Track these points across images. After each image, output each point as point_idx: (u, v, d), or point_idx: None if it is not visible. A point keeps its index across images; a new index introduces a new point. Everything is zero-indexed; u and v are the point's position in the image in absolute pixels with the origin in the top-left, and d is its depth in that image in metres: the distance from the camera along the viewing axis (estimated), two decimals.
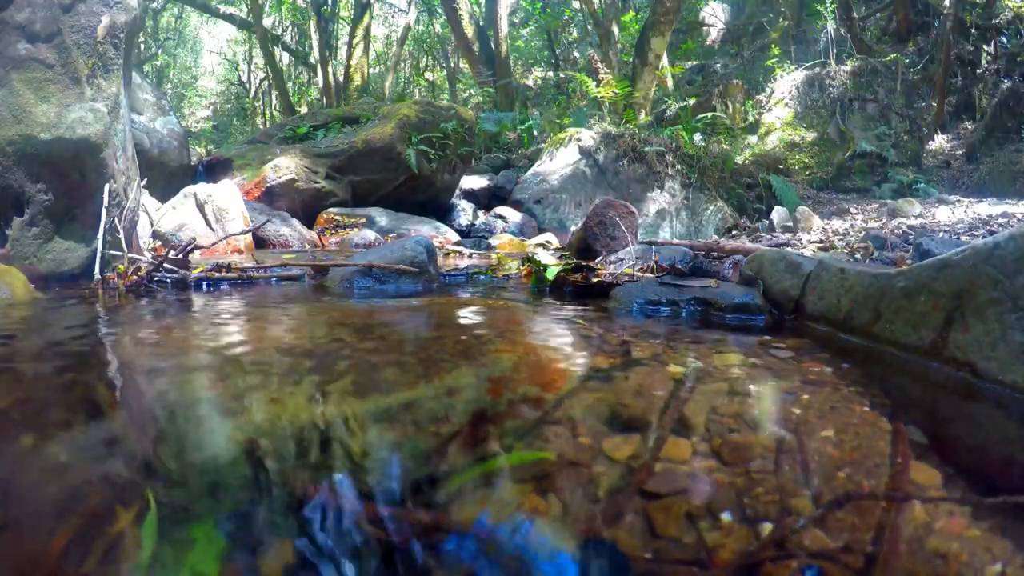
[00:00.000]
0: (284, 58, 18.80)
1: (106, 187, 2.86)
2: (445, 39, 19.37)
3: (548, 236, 6.28)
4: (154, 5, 18.52)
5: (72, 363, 1.50)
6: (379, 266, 2.71)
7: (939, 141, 10.80)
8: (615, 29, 12.16)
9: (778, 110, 11.12)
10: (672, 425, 1.02)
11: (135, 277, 2.70)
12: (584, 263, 2.91)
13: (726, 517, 0.76)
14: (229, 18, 17.24)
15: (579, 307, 2.18)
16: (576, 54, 16.19)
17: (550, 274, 2.57)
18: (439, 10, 17.40)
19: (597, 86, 10.12)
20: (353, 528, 0.76)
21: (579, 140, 8.31)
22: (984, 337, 1.20)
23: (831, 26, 11.28)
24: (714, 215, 8.13)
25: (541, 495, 0.81)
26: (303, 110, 16.94)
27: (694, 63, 13.25)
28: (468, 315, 2.15)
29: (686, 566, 0.68)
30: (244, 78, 21.88)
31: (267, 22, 17.50)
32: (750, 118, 11.17)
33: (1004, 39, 10.87)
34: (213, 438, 1.04)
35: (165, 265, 2.76)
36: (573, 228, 6.19)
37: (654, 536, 0.73)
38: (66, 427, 1.07)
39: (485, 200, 8.65)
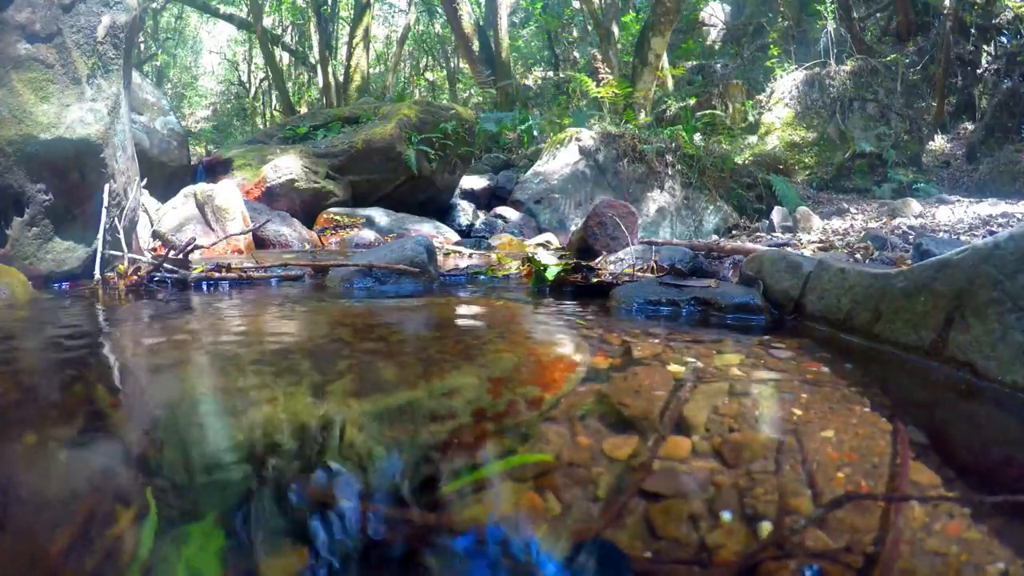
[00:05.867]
0: (284, 58, 18.79)
1: (106, 187, 2.86)
2: (445, 39, 19.37)
3: (548, 236, 6.28)
4: (154, 5, 18.52)
5: (72, 363, 1.50)
6: (379, 266, 2.70)
7: (939, 141, 10.80)
8: (615, 29, 12.16)
9: (778, 110, 11.12)
10: (672, 425, 1.02)
11: (135, 277, 2.70)
12: (584, 263, 2.91)
13: (726, 517, 0.76)
14: (229, 18, 17.24)
15: (579, 307, 2.18)
16: (576, 54, 16.18)
17: (550, 274, 2.57)
18: (439, 10, 17.39)
19: (597, 86, 10.12)
20: (353, 528, 0.76)
21: (579, 140, 8.31)
22: (984, 337, 1.20)
23: (831, 26, 11.28)
24: (714, 215, 8.13)
25: (541, 495, 0.81)
26: (303, 110, 16.94)
27: (694, 63, 13.25)
28: (468, 315, 2.15)
29: (686, 566, 0.68)
30: (244, 78, 21.88)
31: (267, 22, 17.49)
32: (750, 118, 11.17)
33: (1004, 39, 10.87)
34: (213, 438, 1.04)
35: (165, 265, 2.76)
36: (573, 228, 6.20)
37: (654, 536, 0.73)
38: (66, 427, 1.07)
39: (485, 200, 8.65)
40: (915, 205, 7.34)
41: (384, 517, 0.78)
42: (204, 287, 2.73)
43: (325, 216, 6.23)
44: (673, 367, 1.35)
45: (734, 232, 7.32)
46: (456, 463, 0.93)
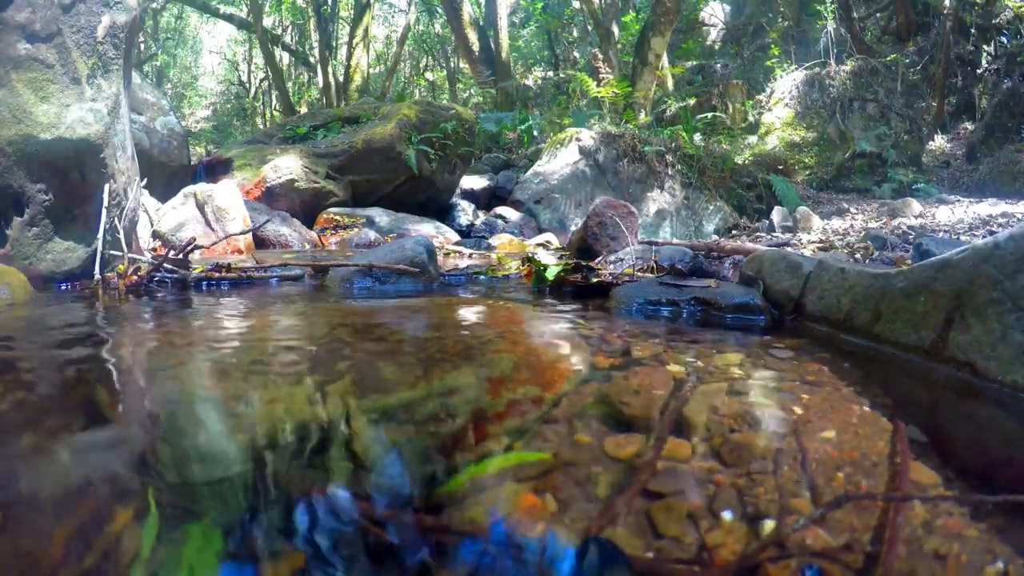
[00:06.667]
0: (284, 58, 18.79)
1: (106, 187, 2.86)
2: (445, 39, 19.37)
3: (548, 236, 6.28)
4: (154, 5, 18.52)
5: (72, 363, 1.50)
6: (379, 266, 2.70)
7: (939, 141, 10.80)
8: (615, 29, 12.16)
9: (778, 110, 11.12)
10: (672, 425, 1.02)
11: (135, 277, 2.70)
12: (584, 263, 2.91)
13: (727, 517, 0.76)
14: (229, 18, 17.24)
15: (579, 307, 2.18)
16: (576, 54, 16.17)
17: (550, 274, 2.57)
18: (439, 10, 17.39)
19: (597, 86, 10.12)
20: (353, 528, 0.76)
21: (579, 140, 8.31)
22: (984, 337, 1.20)
23: (831, 26, 11.28)
24: (714, 215, 8.13)
25: (541, 495, 0.81)
26: (303, 110, 16.94)
27: (694, 63, 13.25)
28: (468, 315, 2.15)
29: (687, 566, 0.68)
30: (244, 78, 21.88)
31: (267, 22, 17.49)
32: (750, 118, 11.17)
33: (1004, 39, 10.87)
34: (213, 438, 1.04)
35: (165, 265, 2.76)
36: (573, 228, 6.19)
37: (655, 536, 0.73)
38: (66, 427, 1.07)
39: (485, 200, 8.65)
40: (915, 205, 7.34)
41: (384, 517, 0.78)
42: (204, 287, 2.73)
43: (325, 216, 6.23)
44: (673, 367, 1.35)
45: (734, 232, 7.32)
46: (456, 463, 0.93)
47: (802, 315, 1.86)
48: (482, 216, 7.89)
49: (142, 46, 18.03)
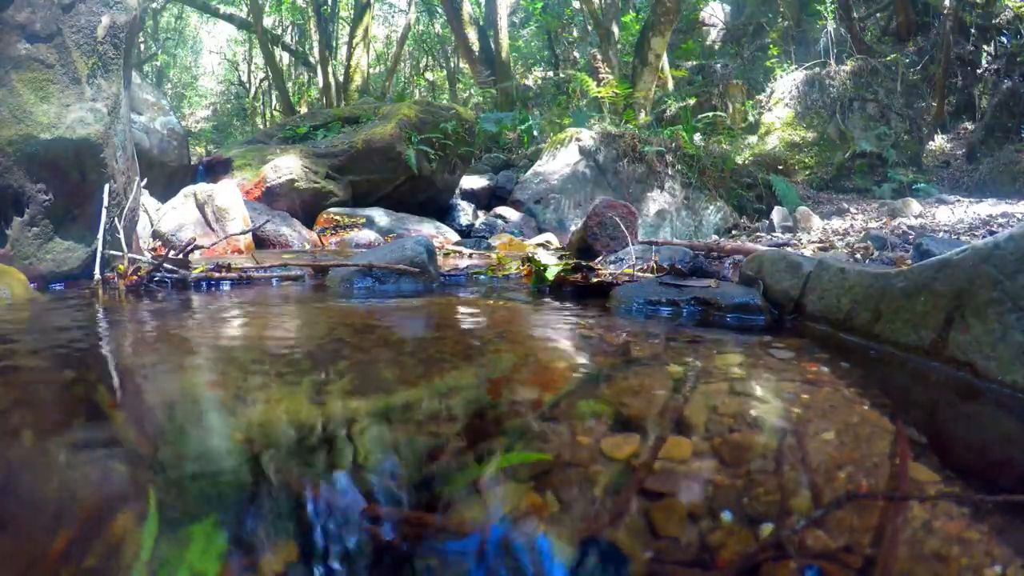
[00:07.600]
0: (284, 58, 18.79)
1: (106, 187, 2.86)
2: (445, 39, 19.37)
3: (548, 236, 6.28)
4: (154, 5, 18.52)
5: (72, 363, 1.50)
6: (379, 266, 2.70)
7: (939, 141, 10.80)
8: (615, 29, 12.15)
9: (778, 110, 11.12)
10: (672, 425, 1.02)
11: (135, 277, 2.70)
12: (584, 263, 2.91)
13: (726, 517, 0.76)
14: (229, 18, 17.24)
15: (579, 307, 2.18)
16: (576, 54, 16.16)
17: (550, 274, 2.57)
18: (439, 10, 17.39)
19: (597, 86, 10.11)
20: (353, 528, 0.76)
21: (579, 140, 8.31)
22: (984, 337, 1.20)
23: (831, 26, 11.28)
24: (714, 215, 8.13)
25: (541, 495, 0.81)
26: (303, 110, 16.93)
27: (694, 63, 13.24)
28: (468, 315, 2.15)
29: (686, 567, 0.68)
30: (244, 78, 21.88)
31: (267, 22, 17.49)
32: (750, 118, 11.17)
33: (1004, 39, 10.87)
34: (213, 438, 1.04)
35: (165, 265, 2.76)
36: (573, 228, 6.20)
37: (654, 536, 0.73)
38: (66, 427, 1.07)
39: (485, 200, 8.65)
40: (915, 205, 7.34)
41: (384, 517, 0.78)
42: (204, 287, 2.73)
43: (325, 216, 6.23)
44: (673, 367, 1.35)
45: (734, 232, 7.32)
46: (456, 463, 0.93)
47: (802, 315, 1.86)
48: (482, 216, 7.89)
49: (142, 46, 18.03)
